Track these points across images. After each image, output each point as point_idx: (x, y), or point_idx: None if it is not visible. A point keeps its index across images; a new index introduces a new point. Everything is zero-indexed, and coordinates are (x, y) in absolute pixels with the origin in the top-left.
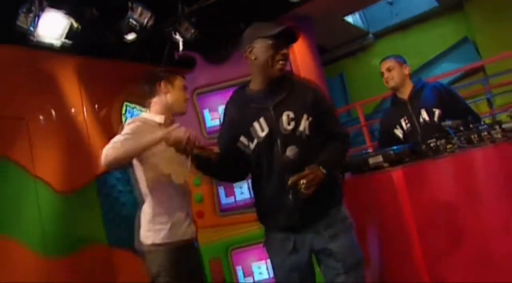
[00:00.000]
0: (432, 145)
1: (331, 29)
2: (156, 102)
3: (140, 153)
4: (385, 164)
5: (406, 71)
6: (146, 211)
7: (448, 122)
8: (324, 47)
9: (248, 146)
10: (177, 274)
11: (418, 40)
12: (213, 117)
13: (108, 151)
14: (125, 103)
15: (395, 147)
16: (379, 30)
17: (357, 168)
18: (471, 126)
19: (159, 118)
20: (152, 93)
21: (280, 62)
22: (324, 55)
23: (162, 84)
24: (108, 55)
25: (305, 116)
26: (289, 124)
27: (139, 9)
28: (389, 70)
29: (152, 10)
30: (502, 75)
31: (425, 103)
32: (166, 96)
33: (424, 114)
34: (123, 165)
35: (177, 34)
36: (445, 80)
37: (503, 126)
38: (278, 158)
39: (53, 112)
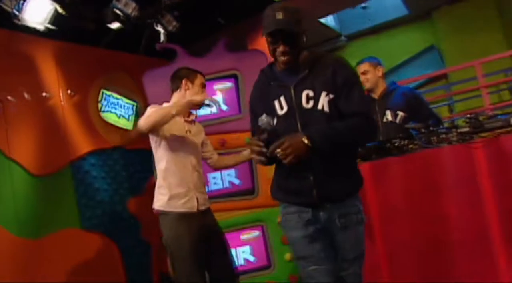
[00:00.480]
0: (396, 144)
1: (306, 29)
2: (176, 95)
3: (172, 118)
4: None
5: (380, 72)
6: (156, 180)
7: (412, 125)
8: None
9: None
10: (178, 239)
11: (388, 45)
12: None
13: (148, 119)
14: (102, 90)
15: None
16: (352, 32)
17: None
18: (431, 128)
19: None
20: (175, 88)
21: (281, 57)
22: None
23: (184, 81)
24: (88, 41)
25: (323, 93)
26: (307, 102)
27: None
28: (364, 73)
29: (136, 1)
30: (463, 82)
31: (392, 105)
32: (186, 92)
33: (388, 115)
34: (158, 129)
35: (159, 25)
36: (411, 85)
37: (459, 130)
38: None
39: (30, 95)
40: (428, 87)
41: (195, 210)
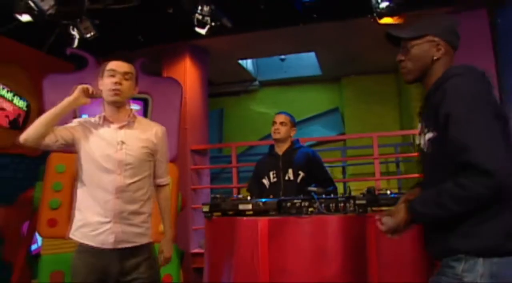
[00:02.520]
0: (297, 204)
1: (223, 67)
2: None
3: (54, 121)
4: (252, 212)
5: (293, 133)
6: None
7: (313, 188)
8: (211, 80)
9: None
10: (72, 275)
11: (297, 99)
12: None
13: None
14: None
15: (264, 200)
16: (266, 79)
17: (226, 211)
18: (331, 195)
19: (97, 117)
20: None
21: None
22: (210, 87)
23: (99, 81)
24: None
25: (425, 130)
26: (420, 135)
27: None
28: (282, 124)
29: None
30: (357, 148)
31: (294, 164)
32: (102, 91)
33: (290, 173)
34: (39, 141)
35: (75, 30)
36: (311, 142)
37: (356, 202)
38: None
39: None
40: (326, 146)
41: (108, 246)
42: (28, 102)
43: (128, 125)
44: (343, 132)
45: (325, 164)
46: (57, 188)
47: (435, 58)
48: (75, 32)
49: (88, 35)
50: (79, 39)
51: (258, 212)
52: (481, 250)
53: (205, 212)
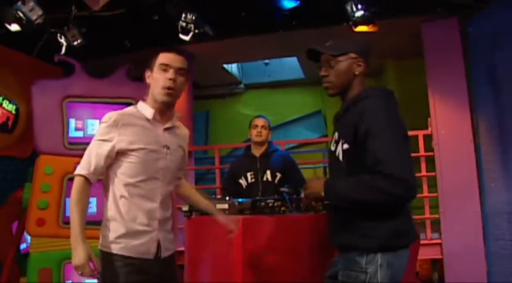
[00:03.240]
0: (270, 204)
1: (208, 70)
2: (148, 93)
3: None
4: (228, 211)
5: (270, 135)
6: (105, 209)
7: (285, 188)
8: (197, 83)
9: None
10: None
11: (282, 101)
12: (78, 128)
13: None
14: None
15: (240, 199)
16: (251, 82)
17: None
18: (301, 195)
19: (149, 113)
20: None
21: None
22: (196, 90)
23: (147, 73)
24: None
25: (341, 141)
26: (333, 144)
27: (31, 4)
28: (264, 127)
29: (42, 5)
30: None
31: (272, 166)
32: (149, 86)
33: (268, 174)
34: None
35: (63, 37)
36: (294, 144)
37: (325, 202)
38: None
39: None
40: (309, 148)
41: (151, 256)
42: (17, 105)
43: (172, 127)
44: (325, 134)
45: (308, 165)
46: (46, 189)
47: (356, 73)
48: (62, 40)
49: (75, 43)
50: (66, 46)
51: (234, 211)
52: (377, 247)
53: (185, 212)
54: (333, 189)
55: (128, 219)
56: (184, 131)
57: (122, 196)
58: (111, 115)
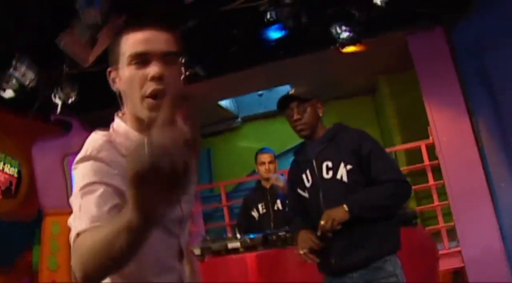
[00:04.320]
0: (282, 236)
1: (204, 109)
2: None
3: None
4: (241, 249)
5: (277, 166)
6: None
7: None
8: None
9: (304, 197)
10: None
11: (280, 129)
12: None
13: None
14: None
15: (251, 235)
16: (247, 115)
17: (217, 251)
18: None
19: (132, 140)
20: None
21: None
22: None
23: (111, 72)
24: None
25: (342, 164)
26: (327, 173)
27: (23, 69)
28: (271, 163)
29: (34, 67)
30: None
31: (281, 195)
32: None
33: (279, 204)
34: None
35: (57, 97)
36: None
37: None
38: (322, 206)
39: None
40: None
41: None
42: (18, 168)
43: None
44: None
45: None
46: (55, 250)
47: (320, 115)
48: (57, 99)
49: (70, 100)
50: (61, 104)
51: (246, 248)
52: (396, 249)
53: (197, 255)
54: (356, 203)
55: None
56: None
57: None
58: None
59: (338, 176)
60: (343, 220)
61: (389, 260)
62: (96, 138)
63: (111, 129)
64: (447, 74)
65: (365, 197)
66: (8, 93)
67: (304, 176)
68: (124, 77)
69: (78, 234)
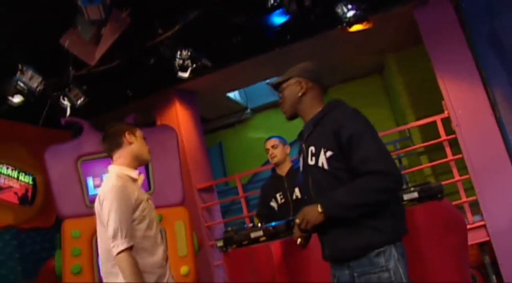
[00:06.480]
0: None
1: (213, 103)
2: (123, 154)
3: None
4: (264, 238)
5: (288, 150)
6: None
7: None
8: (205, 117)
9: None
10: None
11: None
12: (96, 185)
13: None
14: None
15: (273, 223)
16: (256, 106)
17: (240, 242)
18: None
19: (134, 174)
20: (115, 146)
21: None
22: (205, 124)
23: (127, 135)
24: None
25: (323, 150)
26: (311, 159)
27: (30, 73)
28: (274, 147)
29: (40, 72)
30: None
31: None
32: (132, 146)
33: (297, 192)
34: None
35: (66, 99)
36: None
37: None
38: (311, 193)
39: None
40: None
41: None
42: (33, 176)
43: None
44: None
45: None
46: (76, 254)
47: (299, 94)
48: (66, 101)
49: (79, 102)
50: (70, 107)
51: (270, 236)
52: (391, 240)
53: (220, 247)
54: (332, 204)
55: None
56: None
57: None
58: (118, 179)
59: (320, 163)
60: (317, 223)
61: (382, 252)
62: (116, 177)
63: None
64: (457, 44)
65: (341, 195)
66: (17, 98)
67: (300, 160)
68: (138, 142)
69: (125, 249)
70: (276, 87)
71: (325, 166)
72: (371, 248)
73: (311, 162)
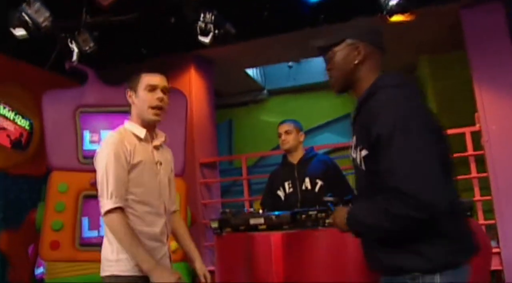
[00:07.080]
0: (313, 216)
1: (229, 77)
2: (131, 111)
3: None
4: (265, 227)
5: (301, 138)
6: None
7: (329, 198)
8: (219, 91)
9: None
10: None
11: (308, 106)
12: (93, 140)
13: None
14: None
15: (277, 212)
16: (274, 88)
17: (237, 227)
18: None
19: (140, 131)
20: (128, 103)
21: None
22: (217, 98)
23: (128, 93)
24: None
25: (359, 147)
26: (353, 151)
27: (37, 4)
28: (287, 133)
29: (50, 9)
30: None
31: (311, 173)
32: (134, 105)
33: (307, 183)
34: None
35: (74, 43)
36: (324, 150)
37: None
38: (356, 189)
39: None
40: (340, 154)
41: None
42: (31, 121)
43: (160, 145)
44: None
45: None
46: (60, 209)
47: (356, 62)
48: (73, 45)
49: (87, 48)
50: (80, 53)
51: (271, 226)
52: (432, 269)
53: (214, 229)
54: (354, 217)
55: None
56: (169, 154)
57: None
58: (115, 135)
59: (358, 160)
60: (343, 231)
61: (420, 277)
62: (117, 131)
63: (122, 128)
64: (503, 55)
65: (364, 212)
66: (19, 31)
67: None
68: (140, 95)
69: (115, 208)
70: (325, 50)
71: (362, 166)
72: (406, 270)
73: (353, 154)
